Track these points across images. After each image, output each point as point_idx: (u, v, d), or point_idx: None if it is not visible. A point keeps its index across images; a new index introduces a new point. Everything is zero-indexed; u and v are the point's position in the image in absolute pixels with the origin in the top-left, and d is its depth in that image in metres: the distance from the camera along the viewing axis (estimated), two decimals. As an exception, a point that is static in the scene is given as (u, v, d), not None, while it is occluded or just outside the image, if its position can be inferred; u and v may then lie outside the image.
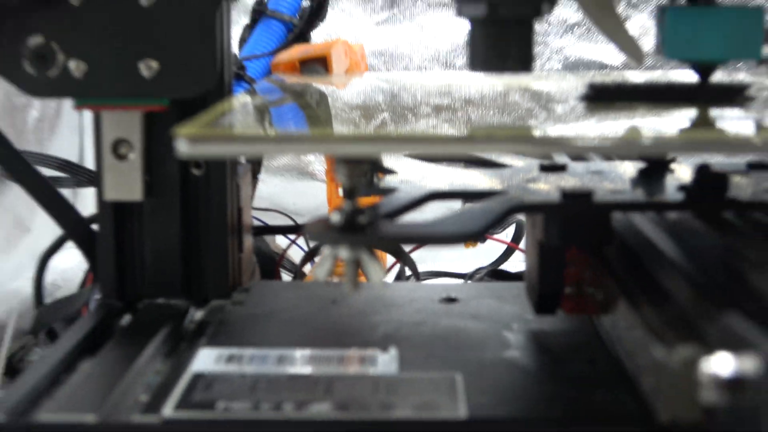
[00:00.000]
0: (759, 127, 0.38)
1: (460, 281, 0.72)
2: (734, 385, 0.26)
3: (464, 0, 0.37)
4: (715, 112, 0.41)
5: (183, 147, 0.31)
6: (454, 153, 0.41)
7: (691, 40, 0.37)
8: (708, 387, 0.26)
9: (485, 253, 0.77)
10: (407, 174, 0.45)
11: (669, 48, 0.38)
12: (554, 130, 0.39)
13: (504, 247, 0.76)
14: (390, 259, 0.74)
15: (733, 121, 0.40)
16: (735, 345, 0.26)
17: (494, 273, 0.72)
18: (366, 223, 0.35)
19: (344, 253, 0.35)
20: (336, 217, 0.35)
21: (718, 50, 0.38)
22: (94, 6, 0.45)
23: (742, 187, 0.42)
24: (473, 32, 0.38)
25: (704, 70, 0.40)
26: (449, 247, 0.70)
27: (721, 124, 0.40)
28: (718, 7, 0.38)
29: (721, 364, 0.26)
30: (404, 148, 0.33)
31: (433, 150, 0.34)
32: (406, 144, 0.33)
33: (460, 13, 0.38)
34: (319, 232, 0.35)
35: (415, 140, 0.33)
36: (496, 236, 0.77)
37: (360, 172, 0.35)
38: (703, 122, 0.40)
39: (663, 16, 0.38)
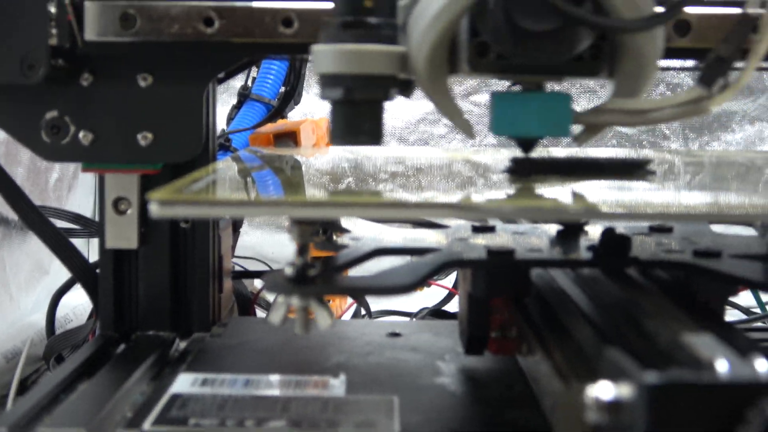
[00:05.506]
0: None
1: (407, 319, 0.71)
2: (613, 407, 0.26)
3: (325, 85, 0.35)
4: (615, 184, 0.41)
5: (154, 209, 0.30)
6: (394, 216, 0.40)
7: (513, 119, 0.37)
8: (592, 409, 0.26)
9: (433, 295, 0.77)
10: (365, 232, 0.45)
11: (496, 126, 0.37)
12: (490, 195, 0.38)
13: (447, 291, 0.76)
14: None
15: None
16: (615, 375, 0.26)
17: (436, 312, 0.72)
18: (315, 275, 0.34)
19: (295, 301, 0.34)
20: (289, 270, 0.34)
21: (535, 128, 0.37)
22: (100, 87, 0.46)
23: (644, 247, 0.42)
24: (333, 111, 0.36)
25: (525, 144, 0.40)
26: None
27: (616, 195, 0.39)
28: (534, 92, 0.37)
29: (602, 390, 0.26)
30: (344, 213, 0.32)
31: (370, 214, 0.33)
32: (344, 208, 0.32)
33: (322, 95, 0.36)
34: (274, 283, 0.34)
35: (350, 205, 0.32)
36: (440, 282, 0.77)
37: (310, 232, 0.35)
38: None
39: (492, 99, 0.38)
